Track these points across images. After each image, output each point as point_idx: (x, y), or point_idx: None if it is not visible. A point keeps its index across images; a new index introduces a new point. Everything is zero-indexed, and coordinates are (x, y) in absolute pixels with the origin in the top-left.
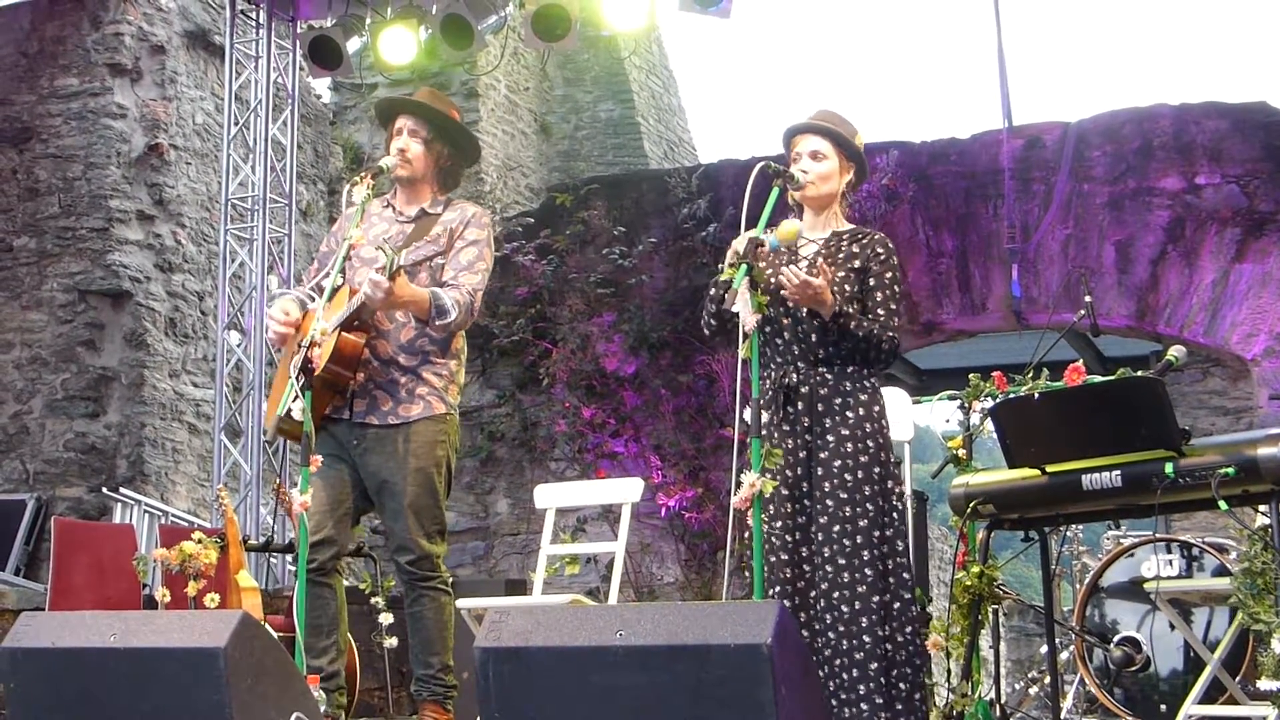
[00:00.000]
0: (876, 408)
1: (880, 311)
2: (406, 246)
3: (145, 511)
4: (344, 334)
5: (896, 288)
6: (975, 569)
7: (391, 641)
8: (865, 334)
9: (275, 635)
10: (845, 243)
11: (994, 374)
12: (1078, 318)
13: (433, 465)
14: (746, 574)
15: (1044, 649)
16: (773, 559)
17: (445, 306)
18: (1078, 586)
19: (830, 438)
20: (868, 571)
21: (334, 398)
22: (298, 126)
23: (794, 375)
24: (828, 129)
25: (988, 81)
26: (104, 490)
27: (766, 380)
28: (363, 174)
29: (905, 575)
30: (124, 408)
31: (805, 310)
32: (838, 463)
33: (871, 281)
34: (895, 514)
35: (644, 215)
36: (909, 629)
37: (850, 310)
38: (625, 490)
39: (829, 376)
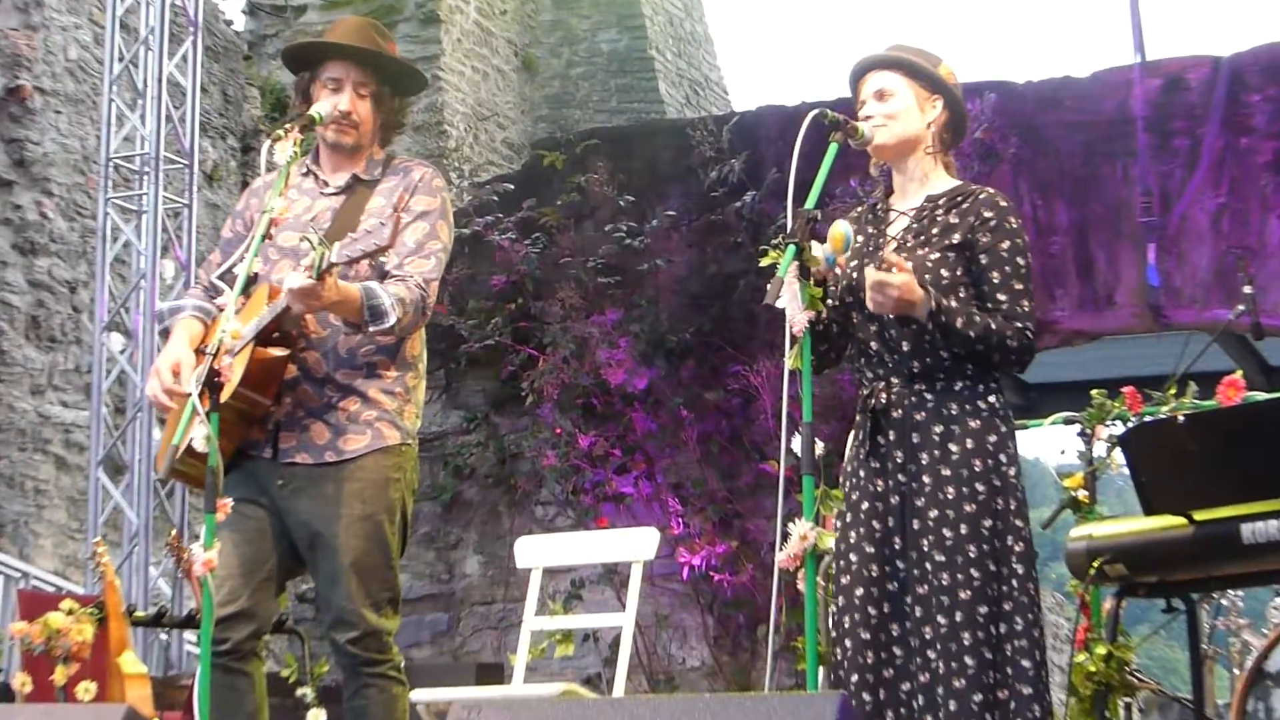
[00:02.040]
0: (993, 437)
1: (1001, 296)
2: (340, 237)
3: None
4: (259, 349)
5: (1020, 260)
6: (1101, 649)
7: None
8: (980, 333)
9: None
10: (941, 211)
11: (1124, 390)
12: (1234, 315)
13: (383, 511)
14: (797, 654)
15: None
16: (849, 641)
17: (381, 308)
18: (1237, 672)
19: (927, 479)
20: (968, 661)
21: (251, 430)
22: (201, 63)
23: (884, 395)
24: (895, 59)
25: (1114, 4)
26: None
27: (859, 403)
28: (288, 126)
29: (1025, 663)
30: None
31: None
32: (934, 513)
33: (983, 259)
34: (1015, 582)
35: (659, 180)
36: None
37: (952, 303)
38: (635, 544)
39: (929, 396)
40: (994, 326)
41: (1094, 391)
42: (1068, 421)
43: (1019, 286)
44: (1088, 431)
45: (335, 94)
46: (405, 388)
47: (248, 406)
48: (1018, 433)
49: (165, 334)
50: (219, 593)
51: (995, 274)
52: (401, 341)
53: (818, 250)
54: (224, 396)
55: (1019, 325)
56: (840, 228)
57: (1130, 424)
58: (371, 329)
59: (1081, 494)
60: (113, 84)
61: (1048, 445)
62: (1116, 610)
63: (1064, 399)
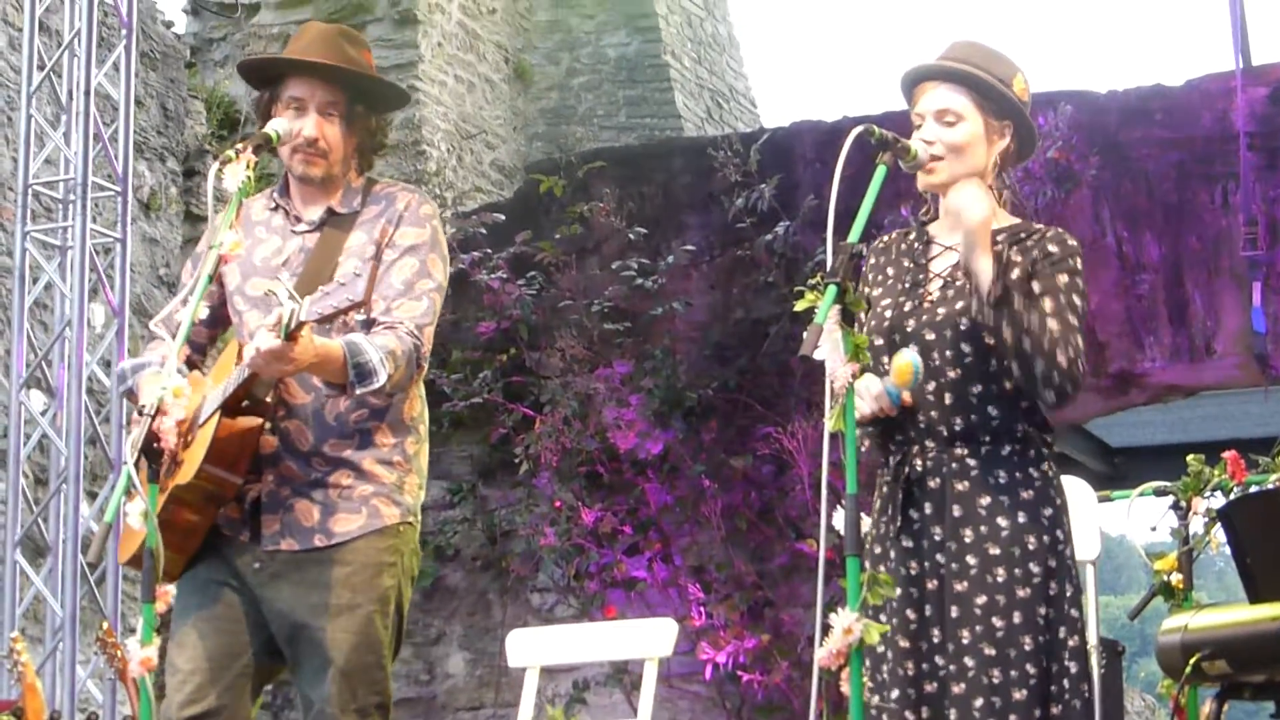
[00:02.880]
0: (1048, 511)
1: (1053, 324)
2: (315, 281)
3: None
4: (228, 420)
5: (1076, 297)
6: None
7: None
8: (1033, 327)
9: None
10: (1003, 246)
11: (1225, 454)
12: None
13: (373, 602)
14: None
15: None
16: None
17: (368, 365)
18: None
19: (971, 559)
20: None
21: (221, 509)
22: (136, 71)
23: (918, 460)
24: (962, 73)
25: (1211, 2)
26: None
27: (885, 469)
28: (239, 146)
29: None
30: None
31: (937, 357)
32: (981, 599)
33: (1037, 287)
34: (1066, 683)
35: (676, 209)
36: None
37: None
38: (649, 638)
39: (971, 463)
40: (1054, 328)
41: (1190, 457)
42: (1159, 492)
43: (1073, 321)
44: (1182, 504)
45: (300, 116)
46: (405, 455)
47: (215, 486)
48: (1100, 505)
49: (130, 397)
50: (182, 691)
51: (1048, 300)
52: (397, 401)
53: (886, 386)
54: (186, 476)
55: (1070, 354)
56: (906, 357)
57: (1232, 495)
58: (359, 390)
59: (1175, 578)
60: (31, 96)
61: (1136, 520)
62: (1218, 715)
63: (1155, 465)
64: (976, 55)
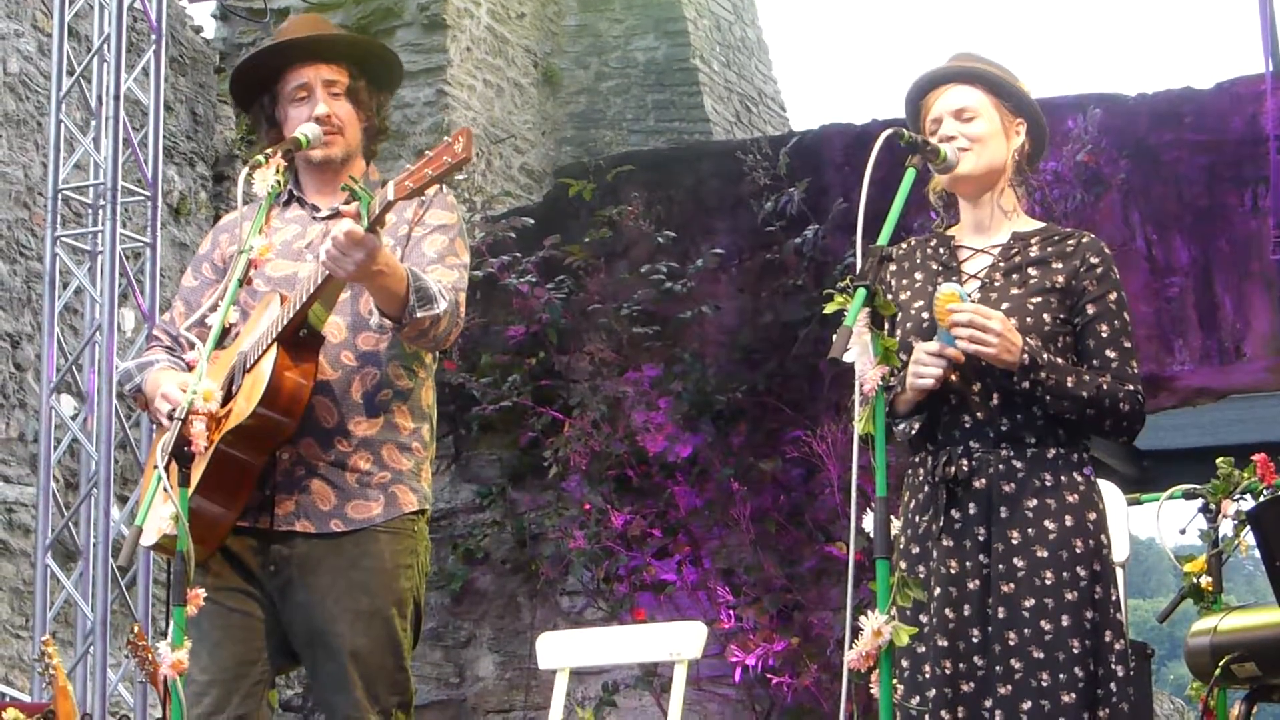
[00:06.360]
0: (1093, 515)
1: (1111, 353)
2: None
3: None
4: (284, 356)
5: (1128, 315)
6: None
7: None
8: (1093, 395)
9: None
10: (1035, 250)
11: (1255, 457)
12: None
13: (392, 605)
14: None
15: None
16: None
17: (429, 291)
18: None
19: (1019, 561)
20: None
21: (274, 450)
22: (165, 77)
23: (964, 461)
24: (977, 72)
25: (1240, 4)
26: None
27: (921, 469)
28: (270, 151)
29: None
30: None
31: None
32: (1029, 602)
33: (1090, 309)
34: (1113, 687)
35: (705, 212)
36: None
37: (1055, 358)
38: (678, 641)
39: (1018, 464)
40: (1106, 387)
41: (1219, 460)
42: (1189, 495)
43: (1128, 344)
44: (1212, 507)
45: (305, 103)
46: (423, 442)
47: (270, 428)
48: (1129, 508)
49: (135, 396)
50: (202, 702)
51: (1104, 327)
52: (416, 386)
53: (929, 345)
54: (240, 418)
55: (1131, 388)
56: (948, 289)
57: (1262, 498)
58: (420, 314)
59: (1204, 580)
60: (61, 102)
61: (1165, 523)
62: (1247, 717)
63: (1184, 468)
64: (981, 60)
